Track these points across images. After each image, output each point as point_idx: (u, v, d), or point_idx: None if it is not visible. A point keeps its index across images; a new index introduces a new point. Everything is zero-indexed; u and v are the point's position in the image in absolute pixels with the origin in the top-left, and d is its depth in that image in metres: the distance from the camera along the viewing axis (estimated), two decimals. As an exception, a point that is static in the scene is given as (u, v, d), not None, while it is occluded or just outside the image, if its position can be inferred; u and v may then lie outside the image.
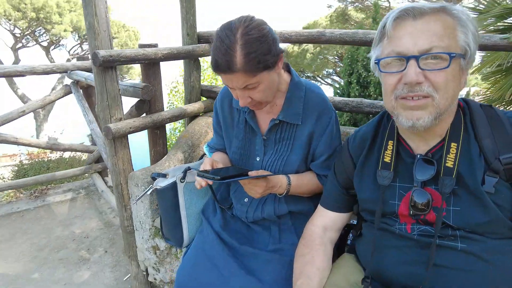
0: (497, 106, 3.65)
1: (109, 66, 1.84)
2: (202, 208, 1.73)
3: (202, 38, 2.39)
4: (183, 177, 1.73)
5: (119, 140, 1.99)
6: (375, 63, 0.97)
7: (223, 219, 1.56)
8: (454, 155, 0.95)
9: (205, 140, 2.36)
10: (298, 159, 1.38)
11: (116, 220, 3.28)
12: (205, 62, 7.21)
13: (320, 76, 21.53)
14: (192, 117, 2.48)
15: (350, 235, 1.42)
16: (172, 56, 2.12)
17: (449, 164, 0.94)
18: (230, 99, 1.46)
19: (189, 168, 1.75)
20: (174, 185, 1.71)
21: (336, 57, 19.98)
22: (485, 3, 3.45)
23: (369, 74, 6.54)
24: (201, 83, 2.52)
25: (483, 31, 3.24)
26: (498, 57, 3.29)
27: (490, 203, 0.89)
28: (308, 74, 21.48)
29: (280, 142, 1.40)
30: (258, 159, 1.43)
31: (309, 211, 1.42)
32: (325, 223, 1.25)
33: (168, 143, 3.63)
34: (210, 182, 1.25)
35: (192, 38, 2.34)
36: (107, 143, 1.98)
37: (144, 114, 2.22)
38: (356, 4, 18.22)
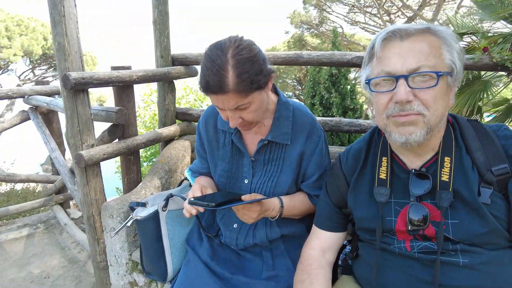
0: None
1: (80, 89, 1.73)
2: (186, 237, 1.62)
3: (176, 60, 2.34)
4: (165, 205, 1.63)
5: (91, 168, 1.84)
6: (366, 82, 0.98)
7: (211, 247, 1.46)
8: (449, 169, 0.96)
9: (183, 164, 2.27)
10: (288, 180, 1.35)
11: (82, 255, 3.01)
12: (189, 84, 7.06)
13: (281, 98, 22.02)
14: (167, 141, 2.38)
15: (342, 255, 1.39)
16: (146, 78, 2.04)
17: (445, 178, 0.96)
18: (215, 120, 1.40)
19: (171, 195, 1.66)
20: (156, 215, 1.60)
21: (295, 81, 20.71)
22: (456, 23, 3.74)
23: (331, 95, 6.77)
24: (176, 106, 2.44)
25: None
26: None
27: (488, 214, 0.91)
28: (270, 97, 21.93)
29: (269, 163, 1.36)
30: (246, 181, 1.37)
31: (302, 233, 1.40)
32: (322, 244, 1.21)
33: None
34: (202, 209, 1.18)
35: (166, 60, 2.28)
36: (78, 172, 1.83)
37: (117, 140, 2.10)
38: (312, 30, 19.14)
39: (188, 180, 1.84)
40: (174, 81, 2.37)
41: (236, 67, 1.03)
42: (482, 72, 3.85)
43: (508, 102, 4.08)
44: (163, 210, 1.62)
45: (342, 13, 18.42)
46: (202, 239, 1.52)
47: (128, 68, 2.02)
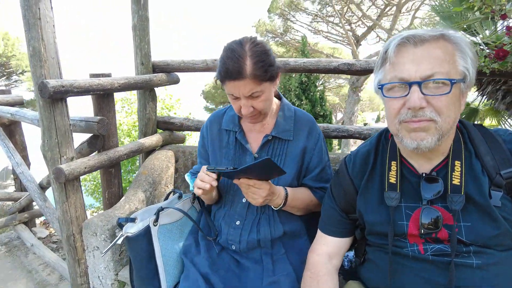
0: None
1: (59, 98, 1.60)
2: (182, 250, 1.54)
3: (157, 68, 2.25)
4: (156, 220, 1.54)
5: (71, 183, 1.71)
6: (378, 88, 0.98)
7: (210, 258, 1.41)
8: (459, 172, 0.98)
9: (167, 175, 2.17)
10: (291, 174, 1.39)
11: (52, 278, 2.77)
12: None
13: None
14: (148, 152, 2.27)
15: (345, 260, 1.38)
16: (128, 86, 1.93)
17: (456, 181, 0.97)
18: (220, 122, 1.50)
19: (161, 209, 1.57)
20: (147, 230, 1.51)
21: (262, 88, 20.89)
22: None
23: (302, 102, 6.88)
24: (157, 115, 2.34)
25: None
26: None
27: (499, 216, 0.93)
28: (237, 105, 21.99)
29: (273, 159, 1.40)
30: None
31: (301, 232, 1.45)
32: (329, 250, 1.20)
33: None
34: (214, 178, 1.25)
35: (147, 68, 2.18)
36: (56, 188, 1.68)
37: (96, 152, 1.96)
38: (277, 39, 19.46)
39: (176, 193, 1.77)
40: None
41: (253, 57, 1.18)
42: None
43: (469, 106, 4.35)
44: (154, 225, 1.53)
45: (306, 22, 18.94)
46: (199, 250, 1.47)
47: (108, 75, 1.91)
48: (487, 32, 3.61)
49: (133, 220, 1.55)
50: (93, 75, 1.87)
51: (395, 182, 1.05)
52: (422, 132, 0.91)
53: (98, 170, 1.97)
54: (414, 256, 1.00)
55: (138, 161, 4.50)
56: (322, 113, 6.88)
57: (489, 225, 0.94)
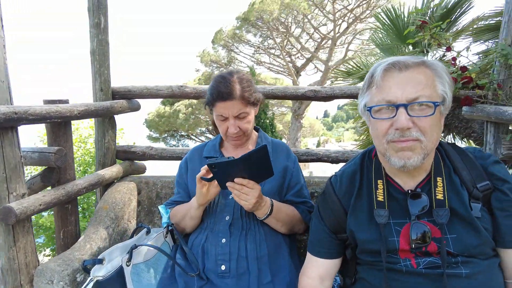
0: None
1: (9, 126, 1.41)
2: None
3: (117, 94, 2.12)
4: (129, 259, 1.39)
5: (21, 224, 1.48)
6: (367, 110, 1.04)
7: None
8: (442, 188, 1.05)
9: (129, 209, 2.00)
10: (272, 189, 1.50)
11: None
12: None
13: (194, 134, 21.91)
14: (107, 184, 2.08)
15: (334, 285, 1.36)
16: (88, 113, 1.78)
17: (439, 196, 1.04)
18: (201, 152, 1.63)
19: (135, 246, 1.43)
20: (120, 272, 1.36)
21: (207, 117, 20.88)
22: (352, 68, 4.27)
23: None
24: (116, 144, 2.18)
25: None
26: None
27: (480, 227, 1.00)
28: (182, 133, 21.59)
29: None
30: (231, 197, 1.46)
31: (284, 254, 1.47)
32: (320, 272, 1.21)
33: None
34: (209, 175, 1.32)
35: (106, 94, 2.04)
36: (3, 231, 1.45)
37: (49, 187, 1.75)
38: (222, 69, 19.80)
39: (144, 228, 1.64)
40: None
41: (241, 83, 1.43)
42: None
43: None
44: (127, 265, 1.38)
45: (249, 53, 19.63)
46: None
47: (65, 101, 1.74)
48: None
49: (100, 261, 1.39)
50: (48, 102, 1.69)
51: (382, 200, 1.09)
52: (408, 151, 0.98)
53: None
54: (408, 270, 1.03)
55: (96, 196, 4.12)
56: (273, 140, 6.97)
57: (472, 236, 1.01)
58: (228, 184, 1.28)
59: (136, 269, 1.42)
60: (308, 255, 1.25)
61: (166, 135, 20.82)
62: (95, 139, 2.10)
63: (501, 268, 1.05)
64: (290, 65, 19.92)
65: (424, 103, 0.96)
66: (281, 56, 19.70)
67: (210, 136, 22.78)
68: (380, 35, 4.30)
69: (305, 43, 19.33)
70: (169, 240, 1.68)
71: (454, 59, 1.96)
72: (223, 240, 1.40)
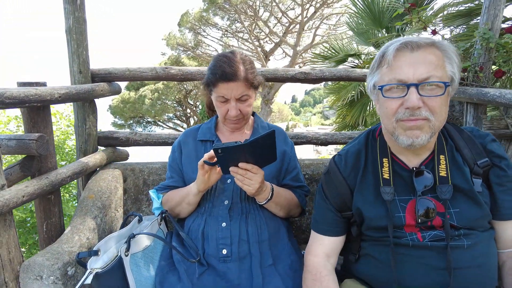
0: (353, 129, 4.51)
1: (-14, 111, 1.28)
2: (158, 280, 1.36)
3: (96, 77, 1.98)
4: (128, 248, 1.34)
5: (2, 218, 1.36)
6: (378, 89, 1.06)
7: (192, 283, 1.30)
8: (445, 165, 1.10)
9: (116, 198, 1.91)
10: (271, 173, 1.48)
11: None
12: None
13: (161, 120, 21.36)
14: (89, 173, 1.97)
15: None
16: (69, 97, 1.65)
17: (443, 173, 1.09)
18: (195, 135, 1.58)
19: (133, 236, 1.37)
20: (119, 262, 1.30)
21: (175, 102, 20.41)
22: (338, 47, 4.31)
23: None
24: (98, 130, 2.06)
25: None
26: (346, 94, 4.09)
27: (482, 201, 1.07)
28: (149, 119, 20.96)
29: None
30: (229, 181, 1.46)
31: (283, 236, 1.48)
32: (326, 250, 1.23)
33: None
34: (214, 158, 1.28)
35: (85, 76, 1.91)
36: (-17, 225, 1.33)
37: (29, 177, 1.62)
38: (188, 52, 19.30)
39: (136, 216, 1.57)
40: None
41: (244, 64, 1.38)
42: None
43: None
44: (125, 255, 1.32)
45: (216, 37, 19.23)
46: (179, 277, 1.33)
47: (43, 84, 1.61)
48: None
49: (96, 252, 1.32)
50: (23, 84, 1.55)
51: (388, 177, 1.12)
52: (417, 130, 1.01)
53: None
54: (414, 244, 1.07)
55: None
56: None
57: (474, 209, 1.06)
58: (232, 169, 1.25)
59: (134, 259, 1.36)
60: (313, 233, 1.27)
61: (131, 121, 20.15)
62: (74, 124, 1.96)
63: (494, 239, 1.12)
64: (259, 49, 19.78)
65: (435, 83, 0.98)
66: (249, 40, 19.49)
67: (178, 122, 22.33)
68: (356, 19, 4.35)
69: (273, 27, 19.22)
70: (163, 227, 1.64)
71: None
72: (223, 224, 1.39)
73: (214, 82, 1.37)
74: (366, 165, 1.19)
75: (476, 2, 3.34)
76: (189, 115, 21.72)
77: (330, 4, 18.23)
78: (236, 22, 18.80)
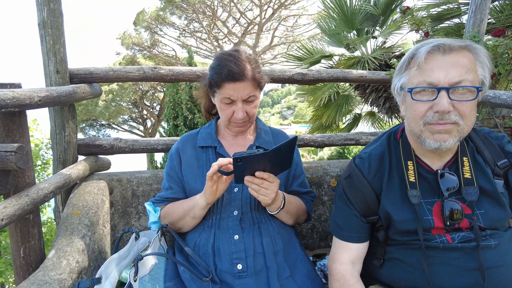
0: (326, 129, 4.56)
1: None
2: None
3: (75, 78, 1.76)
4: (136, 272, 1.18)
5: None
6: (407, 91, 1.04)
7: None
8: (468, 167, 1.11)
9: (103, 212, 1.70)
10: (280, 180, 1.36)
11: None
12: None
13: (116, 123, 20.34)
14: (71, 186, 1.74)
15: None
16: (50, 100, 1.44)
17: (467, 175, 1.10)
18: (194, 141, 1.45)
19: (141, 257, 1.21)
20: (128, 289, 1.13)
21: (130, 104, 19.53)
22: (303, 52, 4.30)
23: (195, 116, 6.68)
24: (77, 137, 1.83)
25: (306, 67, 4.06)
26: (322, 95, 4.12)
27: (504, 201, 1.09)
28: (103, 122, 19.83)
29: None
30: (236, 190, 1.36)
31: (295, 245, 1.42)
32: (352, 257, 1.21)
33: None
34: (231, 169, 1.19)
35: (64, 77, 1.68)
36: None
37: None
38: (145, 52, 18.56)
39: (133, 232, 1.41)
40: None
41: (251, 63, 1.28)
42: (344, 89, 4.63)
43: (355, 113, 5.03)
44: (134, 281, 1.16)
45: (174, 36, 18.68)
46: None
47: (19, 86, 1.38)
48: (365, 49, 4.24)
49: (99, 280, 1.15)
50: (-5, 86, 1.31)
51: (414, 180, 1.11)
52: (445, 134, 1.00)
53: None
54: (444, 246, 1.06)
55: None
56: (215, 126, 6.81)
57: (498, 210, 1.08)
58: (248, 178, 1.17)
59: (142, 283, 1.20)
60: (337, 241, 1.24)
61: (84, 124, 18.90)
62: (51, 132, 1.72)
63: None
64: (218, 49, 19.55)
65: (467, 87, 0.97)
66: (208, 40, 19.18)
67: (134, 124, 21.38)
68: (327, 21, 4.39)
69: (232, 27, 19.11)
70: (163, 244, 1.49)
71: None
72: (236, 237, 1.29)
73: (219, 82, 1.26)
74: (391, 168, 1.17)
75: (444, 7, 3.52)
76: (145, 116, 20.91)
77: (288, 6, 18.53)
78: (194, 21, 18.42)
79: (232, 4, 17.66)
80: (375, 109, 4.47)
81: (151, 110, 20.21)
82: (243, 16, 18.43)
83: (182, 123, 6.68)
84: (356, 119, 4.89)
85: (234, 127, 1.38)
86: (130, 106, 19.79)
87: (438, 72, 0.97)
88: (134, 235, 1.44)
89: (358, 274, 1.20)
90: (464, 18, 3.43)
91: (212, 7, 17.50)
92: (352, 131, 5.34)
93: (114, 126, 20.66)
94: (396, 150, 1.19)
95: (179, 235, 1.43)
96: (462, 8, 3.40)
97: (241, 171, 1.14)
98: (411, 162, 1.13)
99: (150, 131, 20.64)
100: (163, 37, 18.33)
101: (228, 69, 1.23)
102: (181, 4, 16.69)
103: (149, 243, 1.52)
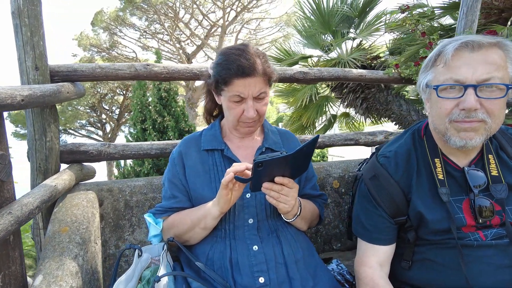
0: (304, 130, 4.54)
1: None
2: None
3: (56, 75, 1.54)
4: (153, 297, 1.03)
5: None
6: (434, 88, 1.03)
7: None
8: (495, 164, 1.10)
9: (94, 227, 1.50)
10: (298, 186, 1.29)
11: None
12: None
13: (72, 128, 19.24)
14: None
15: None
16: (33, 100, 1.23)
17: (494, 172, 1.09)
18: (198, 144, 1.33)
19: (158, 279, 1.06)
20: (147, 318, 0.98)
21: (88, 108, 18.61)
22: (284, 50, 4.26)
23: (165, 119, 6.42)
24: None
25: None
26: (302, 96, 4.09)
27: None
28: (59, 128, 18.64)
29: None
30: (248, 196, 1.24)
31: (313, 251, 1.33)
32: (380, 260, 1.18)
33: None
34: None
35: (44, 75, 1.46)
36: None
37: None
38: (103, 54, 17.73)
39: (135, 249, 1.26)
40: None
41: (260, 57, 1.19)
42: (322, 90, 4.64)
43: (331, 114, 5.07)
44: (151, 306, 1.01)
45: (134, 38, 18.04)
46: None
47: (-5, 83, 1.16)
48: (341, 51, 4.28)
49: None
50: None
51: (443, 178, 1.09)
52: (472, 132, 0.99)
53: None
54: (478, 244, 1.04)
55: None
56: (187, 129, 6.61)
57: None
58: (266, 185, 1.07)
59: (159, 308, 1.05)
60: (364, 243, 1.20)
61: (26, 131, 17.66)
62: (28, 137, 1.49)
63: None
64: (181, 51, 19.13)
65: (495, 85, 0.95)
66: (170, 42, 18.69)
67: (92, 129, 20.35)
68: (304, 22, 4.38)
69: (195, 29, 18.77)
70: (170, 259, 1.34)
71: (430, 43, 2.07)
72: (255, 248, 1.18)
73: (228, 79, 1.15)
74: (419, 167, 1.14)
75: (420, 10, 3.62)
76: (104, 121, 20.01)
77: (250, 9, 18.58)
78: (155, 23, 17.89)
79: (194, 6, 17.37)
80: (352, 110, 4.53)
81: (110, 114, 19.39)
82: (206, 18, 18.20)
83: (150, 127, 6.37)
84: (332, 120, 4.93)
85: (243, 128, 1.27)
86: (88, 110, 18.87)
87: (466, 69, 0.96)
88: (137, 251, 1.28)
89: (387, 276, 1.16)
90: (441, 21, 3.57)
91: (174, 8, 17.10)
92: (328, 133, 5.39)
93: (70, 131, 19.56)
94: (422, 148, 1.17)
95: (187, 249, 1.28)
96: (436, 12, 3.52)
97: (260, 177, 1.04)
98: (438, 159, 1.12)
99: (109, 135, 19.79)
100: (123, 38, 17.63)
101: (237, 63, 1.13)
102: (141, 5, 16.13)
103: (152, 259, 1.37)
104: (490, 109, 0.96)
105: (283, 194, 1.09)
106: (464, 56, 0.97)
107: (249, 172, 1.09)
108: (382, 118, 4.15)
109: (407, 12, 2.23)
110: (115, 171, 8.36)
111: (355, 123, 5.15)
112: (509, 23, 3.30)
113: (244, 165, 1.09)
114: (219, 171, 1.27)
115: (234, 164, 1.11)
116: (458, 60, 0.97)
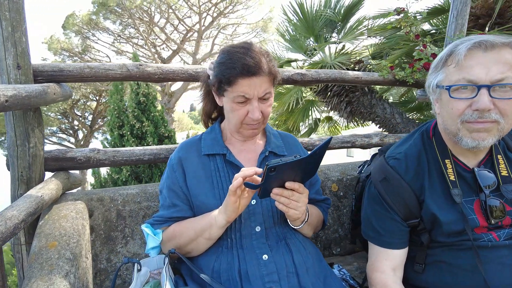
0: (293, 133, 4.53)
1: None
2: None
3: (41, 76, 1.41)
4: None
5: None
6: (446, 88, 1.01)
7: None
8: (504, 165, 1.11)
9: (85, 240, 1.38)
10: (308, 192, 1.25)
11: None
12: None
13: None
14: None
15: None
16: (18, 101, 1.11)
17: (504, 173, 1.10)
18: (198, 148, 1.26)
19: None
20: None
21: (59, 114, 17.93)
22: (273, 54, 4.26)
23: (144, 124, 6.24)
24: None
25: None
26: (289, 99, 4.07)
27: None
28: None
29: None
30: (254, 202, 1.18)
31: (320, 257, 1.29)
32: (393, 264, 1.16)
33: None
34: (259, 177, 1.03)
35: (26, 74, 1.33)
36: None
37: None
38: (75, 58, 17.14)
39: (134, 263, 1.17)
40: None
41: (265, 55, 1.15)
42: (308, 93, 4.64)
43: (316, 118, 5.08)
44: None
45: (108, 42, 17.54)
46: None
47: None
48: (323, 55, 4.31)
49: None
50: None
51: (454, 179, 1.08)
52: (484, 133, 0.98)
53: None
54: (493, 245, 1.04)
55: None
56: (166, 134, 6.45)
57: None
58: (276, 191, 1.02)
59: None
60: (377, 248, 1.18)
61: (4, 138, 16.72)
62: (8, 143, 1.35)
63: None
64: (156, 56, 18.80)
65: (509, 85, 0.94)
66: (145, 47, 18.34)
67: (64, 136, 19.58)
68: (287, 26, 4.38)
69: (171, 34, 18.52)
70: (171, 272, 1.25)
71: (424, 46, 2.08)
72: (265, 257, 1.12)
73: (232, 79, 1.10)
74: (429, 168, 1.13)
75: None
76: (76, 127, 19.31)
77: (227, 15, 18.57)
78: (129, 27, 17.51)
79: (170, 10, 17.15)
80: (336, 114, 4.56)
81: (82, 120, 18.75)
82: (182, 23, 18.00)
83: (128, 132, 6.16)
84: (316, 123, 4.95)
85: (246, 130, 1.21)
86: (59, 117, 18.18)
87: (479, 69, 0.94)
88: (136, 266, 1.18)
89: (401, 281, 1.14)
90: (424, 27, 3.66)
91: (149, 12, 16.81)
92: (313, 136, 5.41)
93: (39, 139, 18.68)
94: (431, 149, 1.16)
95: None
96: (418, 17, 3.60)
97: (270, 182, 0.98)
98: (449, 160, 1.11)
99: (82, 143, 19.11)
100: (96, 42, 17.13)
101: (242, 62, 1.08)
102: (115, 9, 15.75)
103: (150, 272, 1.27)
104: (504, 109, 0.95)
105: (294, 200, 1.04)
106: (477, 56, 0.96)
107: (258, 178, 1.03)
108: (365, 121, 4.20)
109: (402, 14, 2.25)
110: (91, 180, 8.02)
111: (337, 126, 5.20)
112: (486, 29, 3.41)
113: (253, 170, 1.02)
114: (222, 176, 1.21)
115: (243, 169, 1.04)
116: (471, 60, 0.96)
